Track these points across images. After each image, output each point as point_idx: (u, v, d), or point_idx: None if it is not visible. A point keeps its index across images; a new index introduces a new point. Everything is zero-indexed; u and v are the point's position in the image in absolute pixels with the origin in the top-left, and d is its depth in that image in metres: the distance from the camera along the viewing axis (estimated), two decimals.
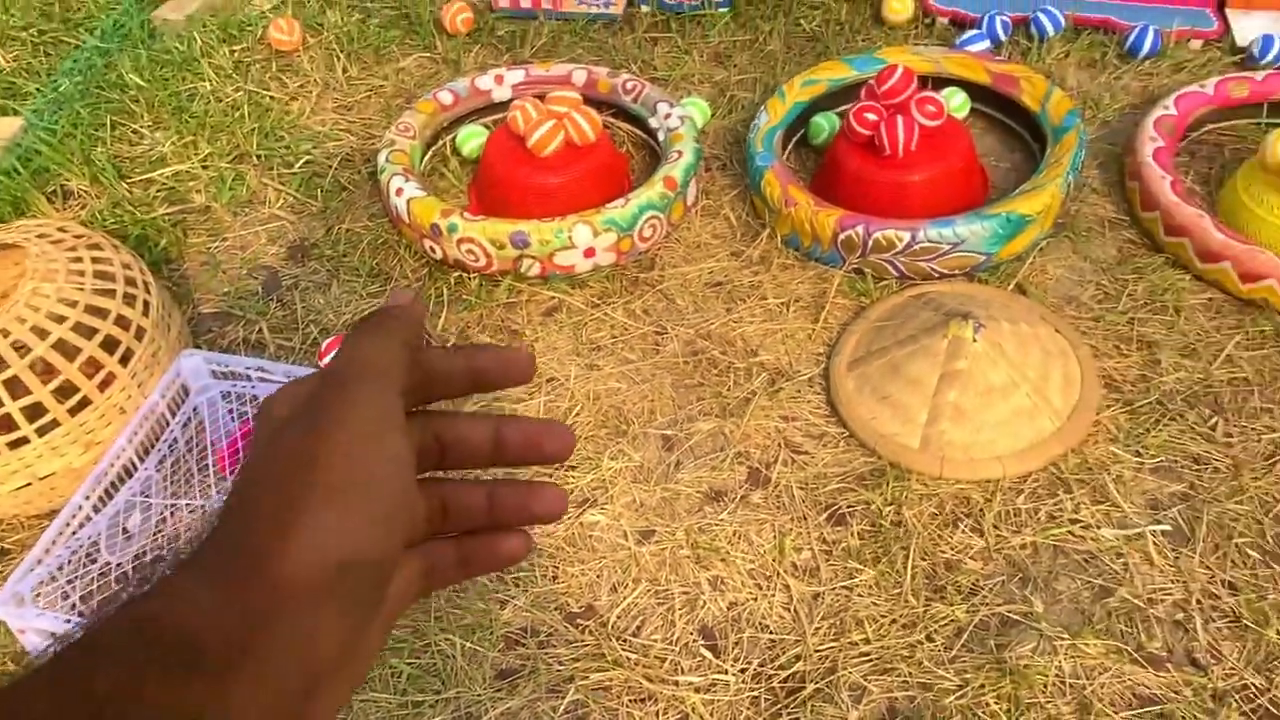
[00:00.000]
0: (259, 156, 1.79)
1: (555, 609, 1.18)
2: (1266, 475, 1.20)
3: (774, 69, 1.89)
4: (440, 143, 1.77)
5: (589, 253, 1.49)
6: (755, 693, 1.09)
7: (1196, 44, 1.84)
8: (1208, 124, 1.66)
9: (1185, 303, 1.40)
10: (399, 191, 1.54)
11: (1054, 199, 1.45)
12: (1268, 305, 1.37)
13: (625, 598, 1.18)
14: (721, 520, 1.24)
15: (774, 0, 2.02)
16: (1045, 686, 1.04)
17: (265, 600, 0.26)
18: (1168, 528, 1.16)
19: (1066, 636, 1.08)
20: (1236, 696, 1.03)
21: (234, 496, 0.28)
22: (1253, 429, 1.25)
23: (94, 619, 0.24)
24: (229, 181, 1.75)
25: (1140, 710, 1.02)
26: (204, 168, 1.78)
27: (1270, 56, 1.74)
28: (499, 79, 1.79)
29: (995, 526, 1.18)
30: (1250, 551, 1.14)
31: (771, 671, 1.10)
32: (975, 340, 1.27)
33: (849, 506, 1.23)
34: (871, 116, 1.51)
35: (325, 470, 0.28)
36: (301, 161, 1.77)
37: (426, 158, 1.74)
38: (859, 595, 1.15)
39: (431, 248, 1.53)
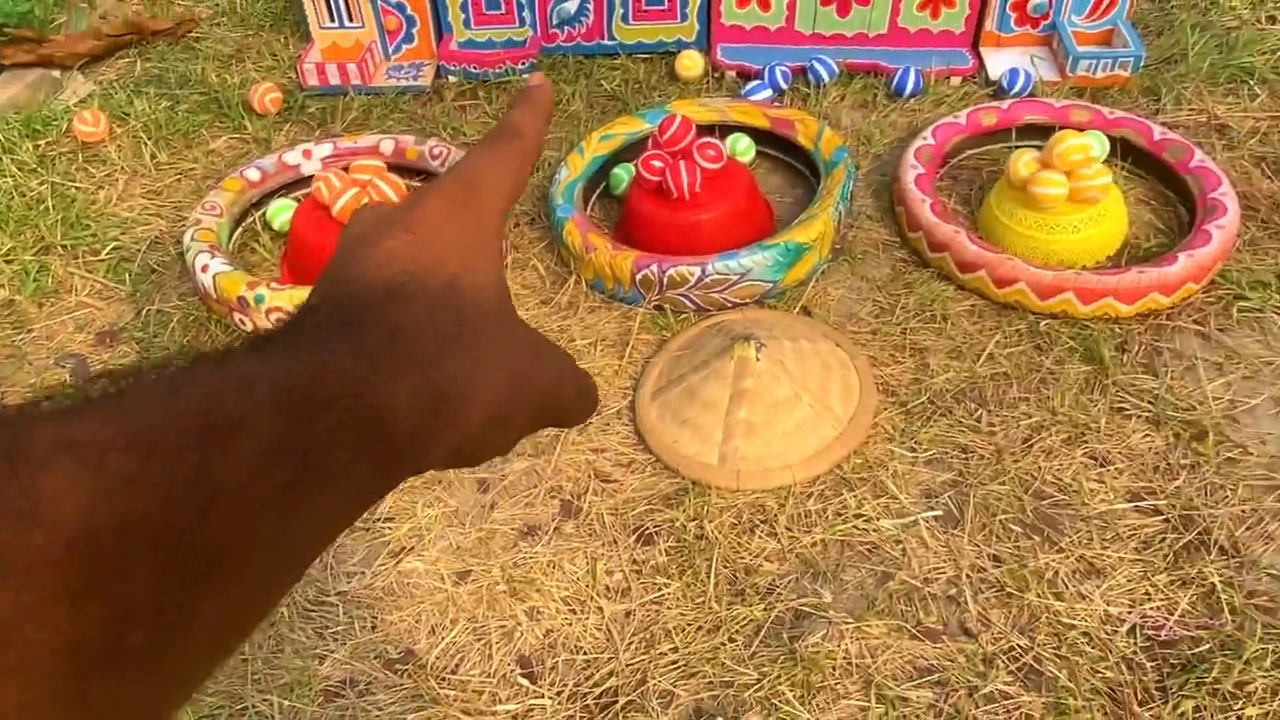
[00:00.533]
0: (65, 246, 1.78)
1: (374, 657, 1.20)
2: (1025, 456, 1.32)
3: (578, 127, 1.99)
4: (250, 219, 1.80)
5: None
6: (570, 712, 1.13)
7: (956, 81, 2.02)
8: (966, 150, 1.83)
9: (951, 310, 1.53)
10: (204, 268, 1.56)
11: (827, 226, 1.57)
12: (1021, 306, 1.52)
13: (444, 638, 1.21)
14: (536, 553, 1.28)
15: (575, 64, 2.14)
16: (834, 669, 1.12)
17: (454, 423, 0.27)
18: (939, 513, 1.27)
19: (852, 621, 1.16)
20: (1004, 658, 1.12)
21: (404, 304, 0.27)
22: (1012, 417, 1.37)
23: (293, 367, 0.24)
24: (33, 274, 1.73)
25: (920, 680, 1.11)
26: (7, 262, 1.76)
27: (1017, 87, 1.93)
28: (307, 153, 1.83)
29: (788, 528, 1.27)
30: (1012, 526, 1.25)
31: (586, 690, 1.15)
32: (758, 359, 1.36)
33: (655, 526, 1.30)
34: (658, 163, 1.61)
35: (496, 308, 0.30)
36: (109, 248, 1.77)
37: (236, 234, 1.76)
38: (667, 608, 1.21)
39: (241, 320, 1.55)
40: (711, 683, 1.13)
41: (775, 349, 1.38)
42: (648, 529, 1.29)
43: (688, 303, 1.56)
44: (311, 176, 1.80)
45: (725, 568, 1.24)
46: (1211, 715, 1.06)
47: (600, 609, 1.22)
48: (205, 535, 0.20)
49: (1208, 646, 1.12)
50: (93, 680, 0.19)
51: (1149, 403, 1.37)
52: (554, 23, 2.11)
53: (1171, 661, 1.11)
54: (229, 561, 0.21)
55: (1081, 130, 1.68)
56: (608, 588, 1.24)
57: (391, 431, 0.25)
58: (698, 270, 1.51)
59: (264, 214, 1.80)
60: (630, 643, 1.18)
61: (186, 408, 0.21)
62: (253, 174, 1.79)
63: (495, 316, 0.29)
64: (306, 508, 0.23)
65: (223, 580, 0.21)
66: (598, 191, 1.84)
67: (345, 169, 1.66)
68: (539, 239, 1.75)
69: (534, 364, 0.30)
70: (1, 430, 0.19)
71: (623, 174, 1.81)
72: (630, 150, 1.83)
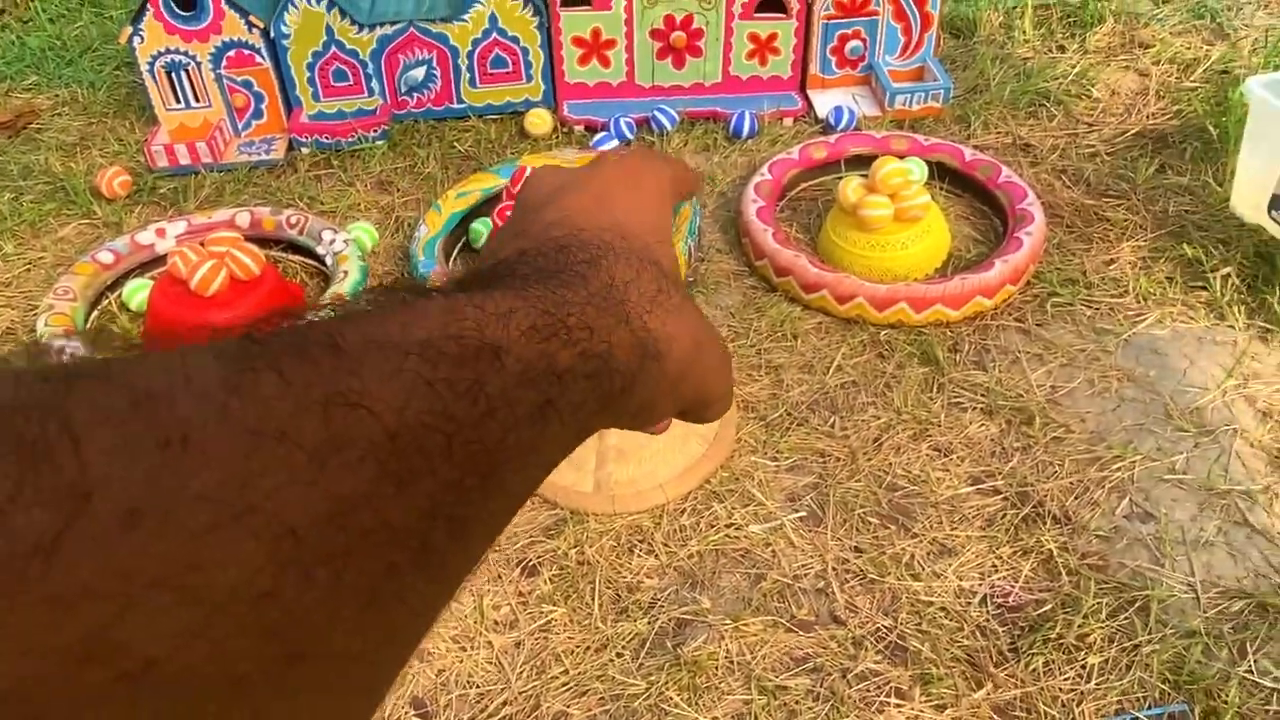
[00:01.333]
0: None
1: None
2: (876, 455, 1.42)
3: (434, 188, 2.04)
4: (106, 301, 1.78)
5: None
6: None
7: (788, 121, 2.17)
8: (801, 183, 1.96)
9: (800, 329, 1.64)
10: (60, 352, 1.53)
11: (678, 261, 1.66)
12: (862, 319, 1.63)
13: None
14: None
15: (428, 128, 2.20)
16: (716, 669, 1.17)
17: (653, 377, 0.28)
18: (803, 514, 1.35)
19: (730, 622, 1.22)
20: (871, 639, 1.20)
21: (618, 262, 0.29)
22: (862, 420, 1.48)
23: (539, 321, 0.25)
24: None
25: (796, 669, 1.18)
26: None
27: (842, 124, 2.09)
28: (160, 232, 1.83)
29: (665, 544, 1.33)
30: (870, 518, 1.34)
31: None
32: None
33: (538, 558, 1.34)
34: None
35: (678, 278, 0.31)
36: None
37: (93, 317, 1.74)
38: (555, 633, 1.25)
39: None
40: (603, 698, 1.17)
41: None
42: (531, 561, 1.33)
43: None
44: (166, 255, 1.80)
45: (608, 588, 1.29)
46: (1059, 667, 1.16)
47: (490, 643, 1.25)
48: (483, 443, 0.22)
49: (1050, 607, 1.22)
50: (403, 574, 0.20)
51: (982, 395, 1.50)
52: (402, 91, 2.17)
53: (1020, 624, 1.21)
54: (497, 472, 0.22)
55: (901, 157, 1.83)
56: (496, 622, 1.27)
57: (611, 374, 0.26)
58: None
59: (120, 295, 1.78)
60: (521, 671, 1.21)
61: (459, 329, 0.23)
62: (105, 256, 1.78)
63: (680, 285, 0.31)
64: (549, 431, 0.24)
65: (489, 491, 0.22)
66: (459, 246, 1.89)
67: (201, 244, 1.66)
68: None
69: (708, 335, 0.32)
70: (310, 325, 0.20)
71: (481, 227, 1.87)
72: (487, 205, 1.90)
